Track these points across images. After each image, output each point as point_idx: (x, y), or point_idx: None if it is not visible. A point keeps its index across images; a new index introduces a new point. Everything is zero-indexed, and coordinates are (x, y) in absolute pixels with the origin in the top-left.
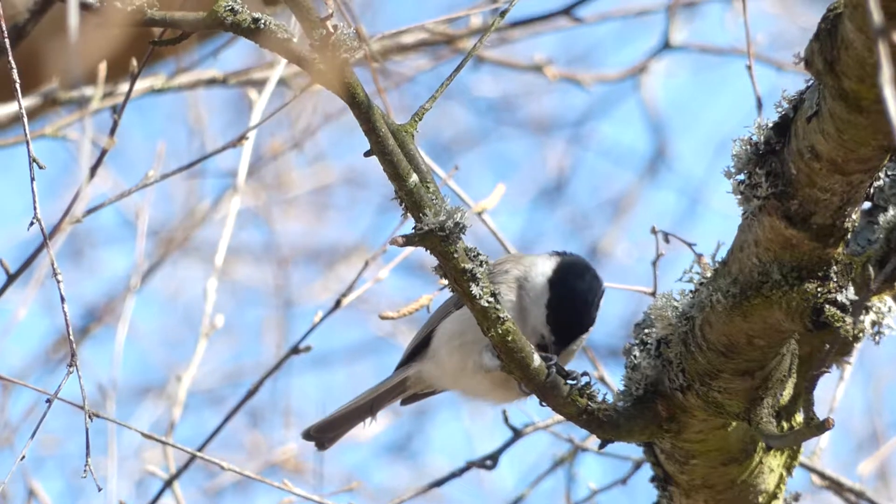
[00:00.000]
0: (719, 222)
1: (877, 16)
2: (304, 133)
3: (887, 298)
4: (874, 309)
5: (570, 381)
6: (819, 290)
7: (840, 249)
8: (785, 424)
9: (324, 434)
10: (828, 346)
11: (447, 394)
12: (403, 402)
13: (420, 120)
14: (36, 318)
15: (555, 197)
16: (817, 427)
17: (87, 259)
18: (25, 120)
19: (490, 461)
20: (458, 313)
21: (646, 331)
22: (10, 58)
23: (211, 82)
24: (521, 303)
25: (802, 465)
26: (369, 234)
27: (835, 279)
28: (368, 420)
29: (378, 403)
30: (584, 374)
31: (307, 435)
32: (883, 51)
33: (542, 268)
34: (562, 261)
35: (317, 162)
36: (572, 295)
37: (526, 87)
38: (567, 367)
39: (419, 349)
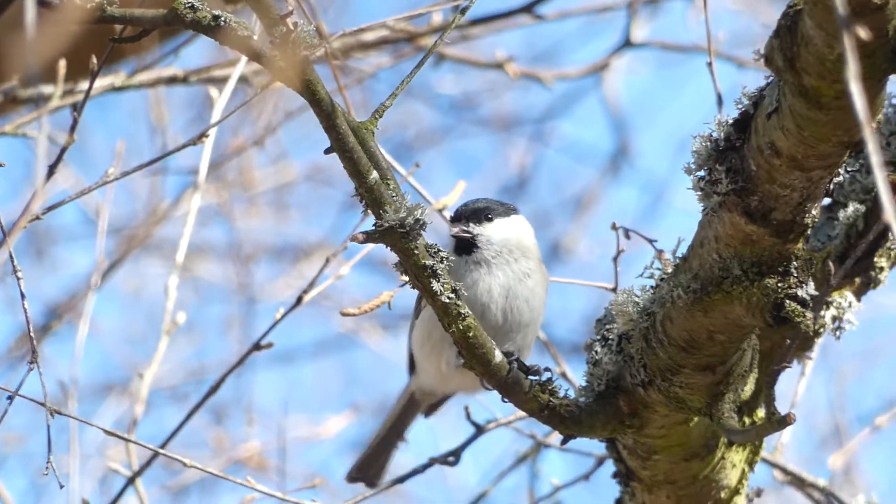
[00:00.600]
0: (681, 219)
1: (841, 7)
2: (265, 130)
3: (847, 294)
4: (834, 304)
5: (531, 377)
6: (779, 285)
7: (800, 245)
8: (746, 420)
9: (366, 472)
10: (788, 341)
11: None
12: (426, 415)
13: (380, 117)
14: None
15: (517, 194)
16: (779, 422)
17: (49, 257)
18: None
19: (452, 457)
20: (421, 318)
21: (607, 326)
22: None
23: (172, 80)
24: None
25: (764, 461)
26: (332, 232)
27: (795, 275)
28: (402, 444)
29: (401, 425)
30: (546, 369)
31: (351, 478)
32: (848, 44)
33: None
34: None
35: (279, 160)
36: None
37: (488, 84)
38: (528, 363)
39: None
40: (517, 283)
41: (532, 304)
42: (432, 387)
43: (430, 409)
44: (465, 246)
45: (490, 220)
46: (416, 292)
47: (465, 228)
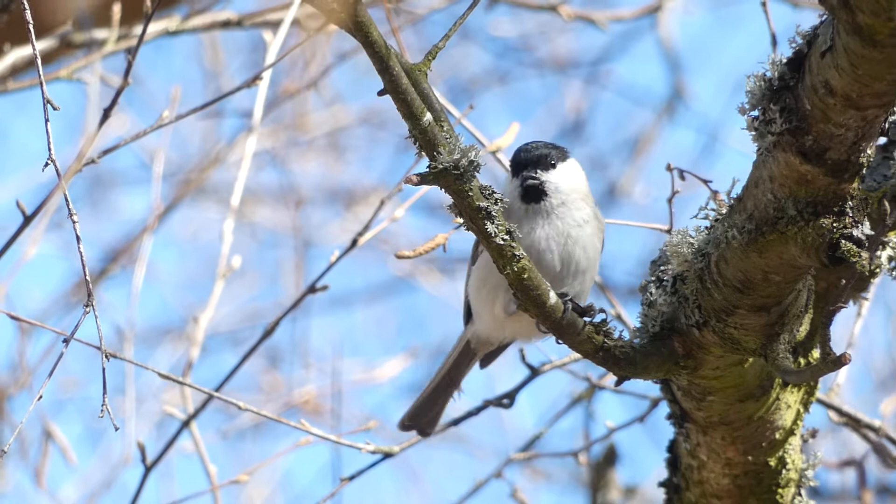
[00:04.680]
0: (737, 160)
1: None
2: (319, 73)
3: None
4: (890, 244)
5: (586, 318)
6: (835, 225)
7: (855, 185)
8: (802, 360)
9: (418, 421)
10: (844, 281)
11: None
12: (482, 365)
13: (433, 59)
14: (57, 261)
15: (573, 137)
16: (834, 363)
17: (106, 202)
18: (39, 61)
19: (507, 400)
20: (477, 264)
21: (662, 268)
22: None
23: (226, 24)
24: None
25: (820, 402)
26: (387, 175)
27: (850, 214)
28: (456, 394)
29: (456, 374)
30: (601, 311)
31: (404, 427)
32: None
33: None
34: None
35: (334, 103)
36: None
37: (542, 27)
38: (583, 304)
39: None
40: (575, 229)
41: (588, 251)
42: (488, 334)
43: (486, 360)
44: (535, 193)
45: (554, 166)
46: (471, 236)
47: (534, 175)
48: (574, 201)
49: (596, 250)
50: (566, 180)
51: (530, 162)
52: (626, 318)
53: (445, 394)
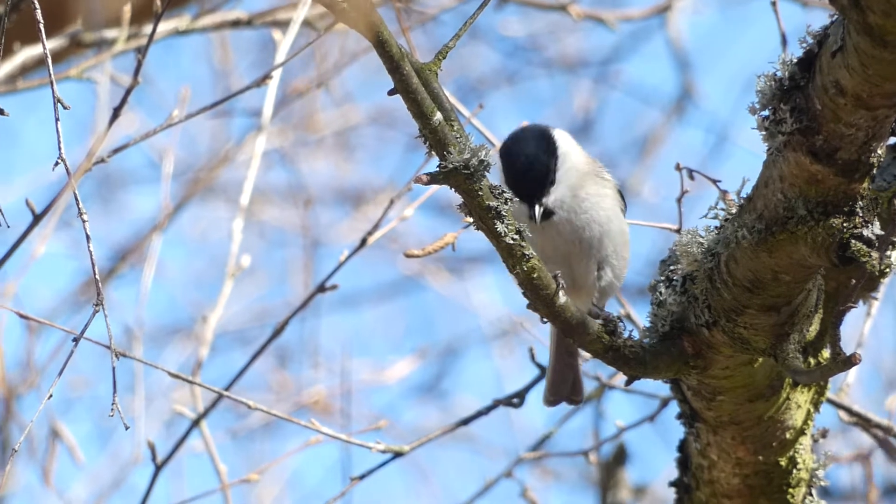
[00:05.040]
0: (747, 160)
1: None
2: (329, 73)
3: None
4: None
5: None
6: (845, 225)
7: (865, 184)
8: (812, 360)
9: (559, 392)
10: (854, 281)
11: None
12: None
13: (444, 58)
14: (66, 260)
15: (582, 136)
16: (844, 362)
17: (115, 201)
18: (49, 60)
19: (517, 399)
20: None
21: (671, 267)
22: None
23: (236, 23)
24: None
25: (830, 402)
26: (397, 175)
27: (860, 214)
28: (580, 358)
29: (566, 341)
30: (619, 319)
31: (549, 402)
32: None
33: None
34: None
35: (344, 102)
36: (508, 156)
37: (552, 26)
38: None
39: None
40: (574, 201)
41: (595, 214)
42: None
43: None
44: (547, 215)
45: (553, 182)
46: (481, 235)
47: (542, 205)
48: (577, 187)
49: (608, 209)
50: (564, 184)
51: (533, 193)
52: (636, 318)
53: (570, 361)
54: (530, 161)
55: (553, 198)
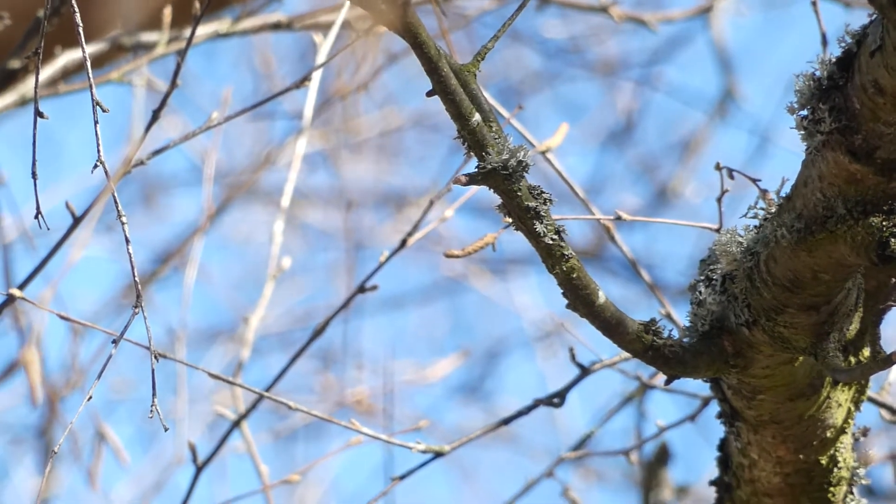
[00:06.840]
0: (789, 161)
1: None
2: (369, 75)
3: None
4: None
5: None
6: (884, 224)
7: None
8: (852, 359)
9: None
10: (894, 279)
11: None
12: None
13: (482, 59)
14: (109, 264)
15: (623, 139)
16: (884, 361)
17: (157, 205)
18: (88, 63)
19: (557, 399)
20: None
21: (711, 267)
22: (73, 1)
23: (276, 26)
24: None
25: (871, 400)
26: (439, 177)
27: None
28: None
29: None
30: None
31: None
32: None
33: None
34: None
35: (385, 105)
36: None
37: (593, 28)
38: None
39: None
40: None
41: None
42: None
43: None
44: None
45: None
46: (521, 236)
47: None
48: None
49: None
50: None
51: None
52: (676, 318)
53: None
54: None
55: None
